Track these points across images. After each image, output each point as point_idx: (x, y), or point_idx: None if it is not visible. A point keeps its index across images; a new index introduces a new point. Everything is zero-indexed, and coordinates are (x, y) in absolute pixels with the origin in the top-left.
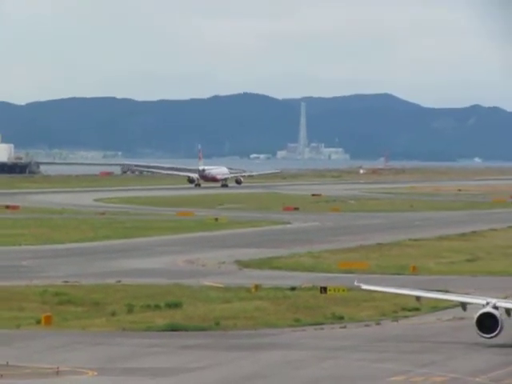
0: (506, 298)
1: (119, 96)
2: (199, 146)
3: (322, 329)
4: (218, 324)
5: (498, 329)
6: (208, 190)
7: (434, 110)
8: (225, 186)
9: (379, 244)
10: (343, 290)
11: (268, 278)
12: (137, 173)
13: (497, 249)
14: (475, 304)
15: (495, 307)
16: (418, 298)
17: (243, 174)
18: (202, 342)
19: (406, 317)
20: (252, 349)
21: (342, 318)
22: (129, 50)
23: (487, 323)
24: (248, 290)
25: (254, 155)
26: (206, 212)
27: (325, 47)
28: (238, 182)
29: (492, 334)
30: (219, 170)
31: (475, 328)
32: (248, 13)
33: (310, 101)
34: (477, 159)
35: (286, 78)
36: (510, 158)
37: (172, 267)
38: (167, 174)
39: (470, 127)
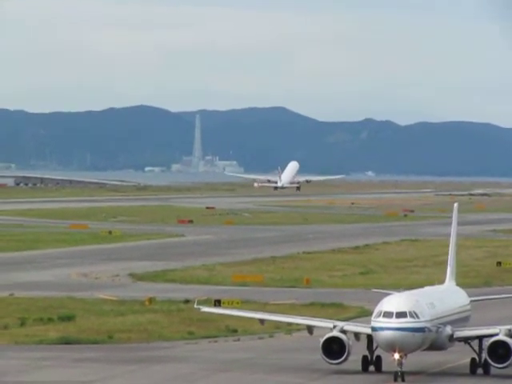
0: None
1: (12, 108)
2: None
3: (216, 342)
4: (111, 337)
5: (345, 354)
6: (107, 203)
7: (328, 123)
8: (298, 188)
9: (273, 257)
10: (237, 303)
11: (162, 290)
12: (30, 185)
13: (390, 262)
14: (322, 327)
15: (343, 331)
16: (261, 321)
17: (310, 178)
18: (96, 356)
19: (299, 330)
20: (145, 362)
21: (235, 330)
22: (23, 61)
23: (334, 348)
24: (142, 302)
25: (149, 168)
26: (99, 225)
27: (219, 60)
28: (308, 181)
29: (338, 360)
30: (291, 173)
31: (320, 353)
32: (144, 25)
33: (204, 114)
34: (370, 173)
35: (181, 91)
36: (402, 172)
37: (65, 280)
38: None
39: (362, 141)
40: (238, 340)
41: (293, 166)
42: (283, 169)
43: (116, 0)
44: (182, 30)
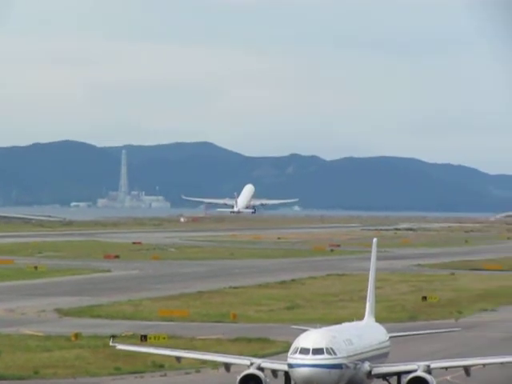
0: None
1: None
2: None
3: (142, 377)
4: (37, 373)
5: None
6: (32, 238)
7: (254, 158)
8: (254, 212)
9: (200, 292)
10: (164, 338)
11: (88, 326)
12: None
13: (316, 296)
14: (239, 365)
15: (260, 368)
16: (178, 359)
17: (264, 202)
18: None
19: None
20: None
21: (162, 366)
22: None
23: None
24: (68, 338)
25: (75, 203)
26: (25, 260)
27: (145, 96)
28: (263, 204)
29: None
30: (247, 197)
31: None
32: (69, 60)
33: (130, 149)
34: (296, 207)
35: (107, 126)
36: (328, 206)
37: None
38: None
39: (289, 175)
40: (165, 375)
41: (248, 190)
42: (239, 193)
43: (39, 36)
44: (108, 66)
